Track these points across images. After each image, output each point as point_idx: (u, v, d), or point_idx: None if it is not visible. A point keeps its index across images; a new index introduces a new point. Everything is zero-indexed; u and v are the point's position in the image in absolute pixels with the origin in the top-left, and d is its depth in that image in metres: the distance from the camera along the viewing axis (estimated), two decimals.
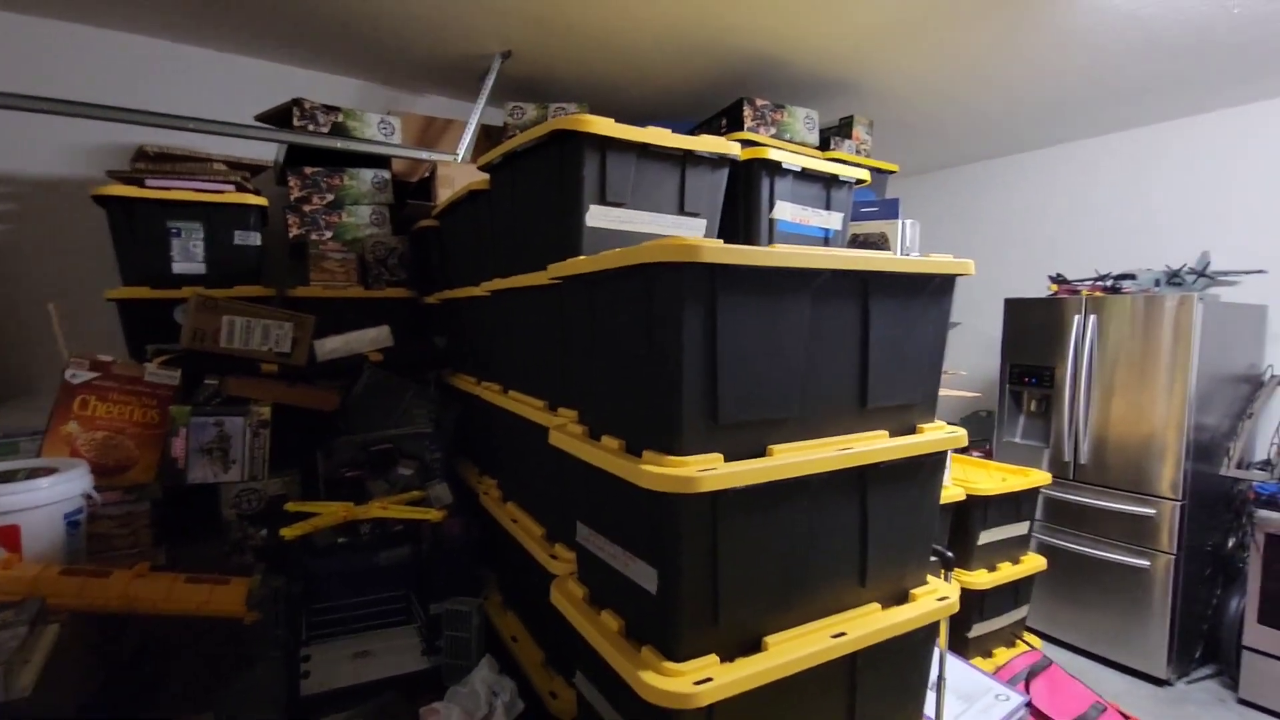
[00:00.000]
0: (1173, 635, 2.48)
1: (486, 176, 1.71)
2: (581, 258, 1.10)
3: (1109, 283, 2.86)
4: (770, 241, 1.56)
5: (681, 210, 1.40)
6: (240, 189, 2.08)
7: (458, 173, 2.34)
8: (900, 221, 1.82)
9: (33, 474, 1.26)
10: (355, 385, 1.92)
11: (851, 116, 2.66)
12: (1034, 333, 2.92)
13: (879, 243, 1.84)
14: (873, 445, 1.03)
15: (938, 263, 1.07)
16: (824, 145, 2.58)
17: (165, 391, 1.57)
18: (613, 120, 1.26)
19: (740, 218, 1.56)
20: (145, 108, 2.34)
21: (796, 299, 0.94)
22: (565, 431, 1.16)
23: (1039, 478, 2.12)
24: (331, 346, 1.91)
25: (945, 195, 4.07)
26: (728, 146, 1.40)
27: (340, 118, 2.21)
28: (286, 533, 1.32)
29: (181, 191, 1.93)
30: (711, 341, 0.88)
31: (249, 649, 1.35)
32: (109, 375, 1.51)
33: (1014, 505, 2.07)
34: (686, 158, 1.37)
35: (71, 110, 1.79)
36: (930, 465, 1.15)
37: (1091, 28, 2.13)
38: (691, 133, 2.58)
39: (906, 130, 3.28)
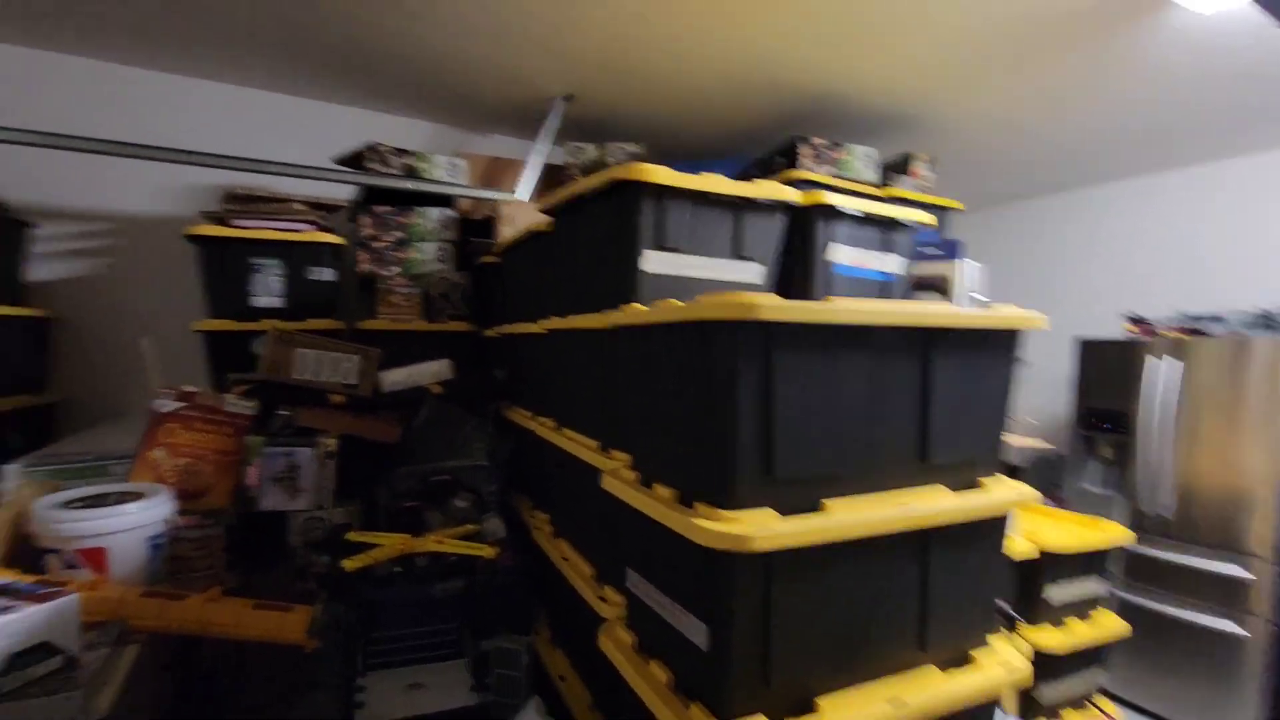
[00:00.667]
0: (1268, 708, 2.27)
1: (548, 218, 1.77)
2: (638, 308, 1.12)
3: (1193, 324, 2.70)
4: (827, 285, 1.55)
5: (738, 255, 1.41)
6: (318, 228, 2.21)
7: (519, 211, 2.42)
8: (961, 263, 1.77)
9: (121, 499, 1.35)
10: (417, 416, 1.99)
11: (912, 154, 2.62)
12: (1109, 375, 2.78)
13: (939, 285, 1.79)
14: (936, 506, 0.99)
15: (1004, 317, 1.04)
16: (884, 181, 2.55)
17: (243, 421, 1.66)
18: (670, 169, 1.29)
19: (797, 261, 1.56)
20: (232, 151, 2.54)
21: (854, 355, 0.93)
22: (618, 477, 1.17)
23: (1118, 533, 1.99)
24: (395, 378, 1.99)
25: (1010, 230, 3.95)
26: (784, 193, 1.41)
27: (412, 160, 2.32)
28: (348, 564, 1.37)
29: (265, 231, 2.06)
30: (767, 398, 0.88)
31: (310, 674, 1.39)
32: (193, 405, 1.61)
33: (1089, 563, 1.95)
34: (743, 205, 1.38)
35: (163, 156, 1.94)
36: (996, 524, 1.10)
37: (1181, 61, 2.05)
38: (746, 172, 2.61)
39: (970, 165, 3.21)
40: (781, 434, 0.90)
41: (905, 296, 1.74)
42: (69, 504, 1.31)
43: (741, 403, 0.87)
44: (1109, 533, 1.99)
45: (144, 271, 2.47)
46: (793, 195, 1.42)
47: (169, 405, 1.57)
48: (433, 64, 2.31)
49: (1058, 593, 1.88)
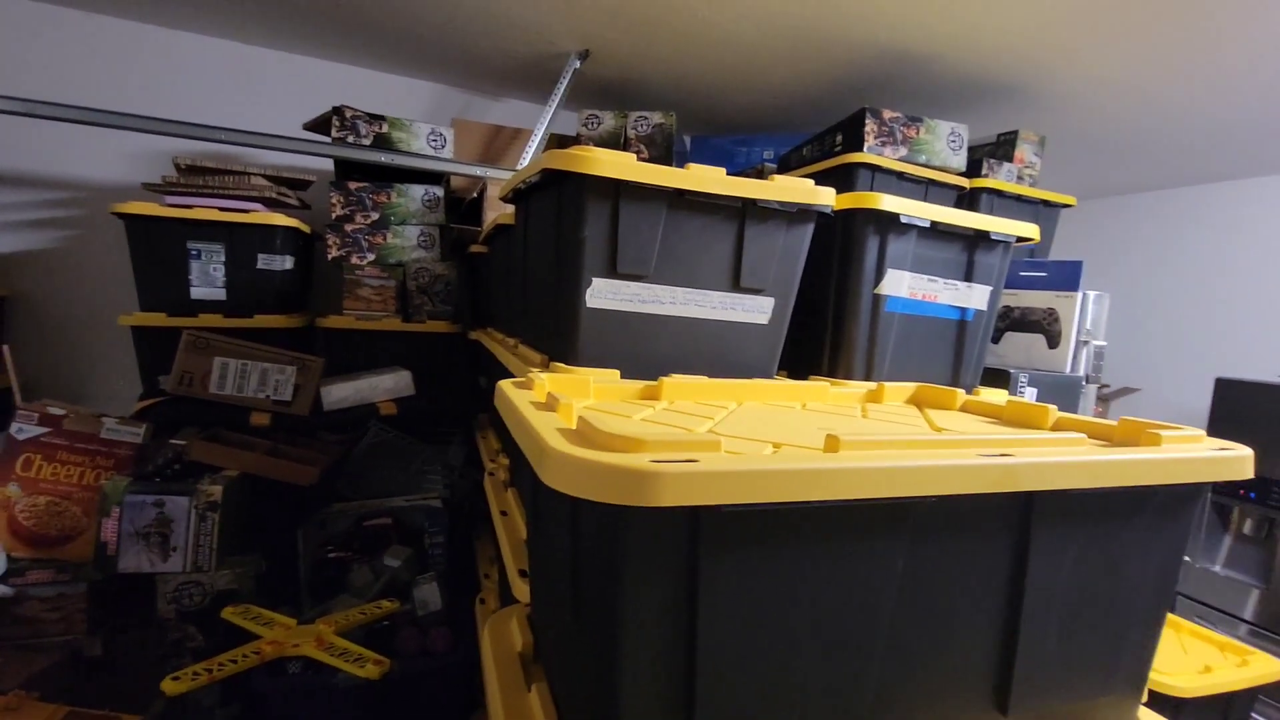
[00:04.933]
0: None
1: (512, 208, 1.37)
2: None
3: None
4: (873, 328, 1.07)
5: (736, 284, 0.96)
6: (272, 206, 1.88)
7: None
8: (1079, 295, 1.25)
9: None
10: (358, 444, 1.65)
11: (1015, 133, 2.05)
12: (1256, 429, 2.15)
13: (1044, 323, 1.29)
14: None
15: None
16: (972, 170, 2.00)
17: (124, 450, 1.36)
18: (632, 157, 0.85)
19: (831, 292, 1.09)
20: (208, 111, 2.24)
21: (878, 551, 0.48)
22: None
23: (1268, 669, 1.45)
24: (340, 395, 1.65)
25: (1127, 227, 3.24)
26: (813, 194, 0.94)
27: (384, 128, 1.95)
28: (168, 686, 1.04)
29: (202, 210, 1.74)
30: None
31: None
32: (59, 431, 1.32)
33: (1221, 711, 1.42)
34: (746, 210, 0.93)
35: (89, 118, 1.64)
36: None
37: None
38: (793, 154, 2.11)
39: (1089, 147, 2.57)
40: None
41: (995, 340, 1.24)
42: None
43: None
44: (1255, 668, 1.45)
45: (109, 246, 2.21)
46: (826, 198, 0.96)
47: (29, 431, 1.28)
48: (419, 8, 1.91)
49: None
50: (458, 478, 1.74)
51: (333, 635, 1.18)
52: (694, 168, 0.89)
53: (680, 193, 0.89)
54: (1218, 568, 2.24)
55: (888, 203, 1.02)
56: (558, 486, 0.42)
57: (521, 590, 0.86)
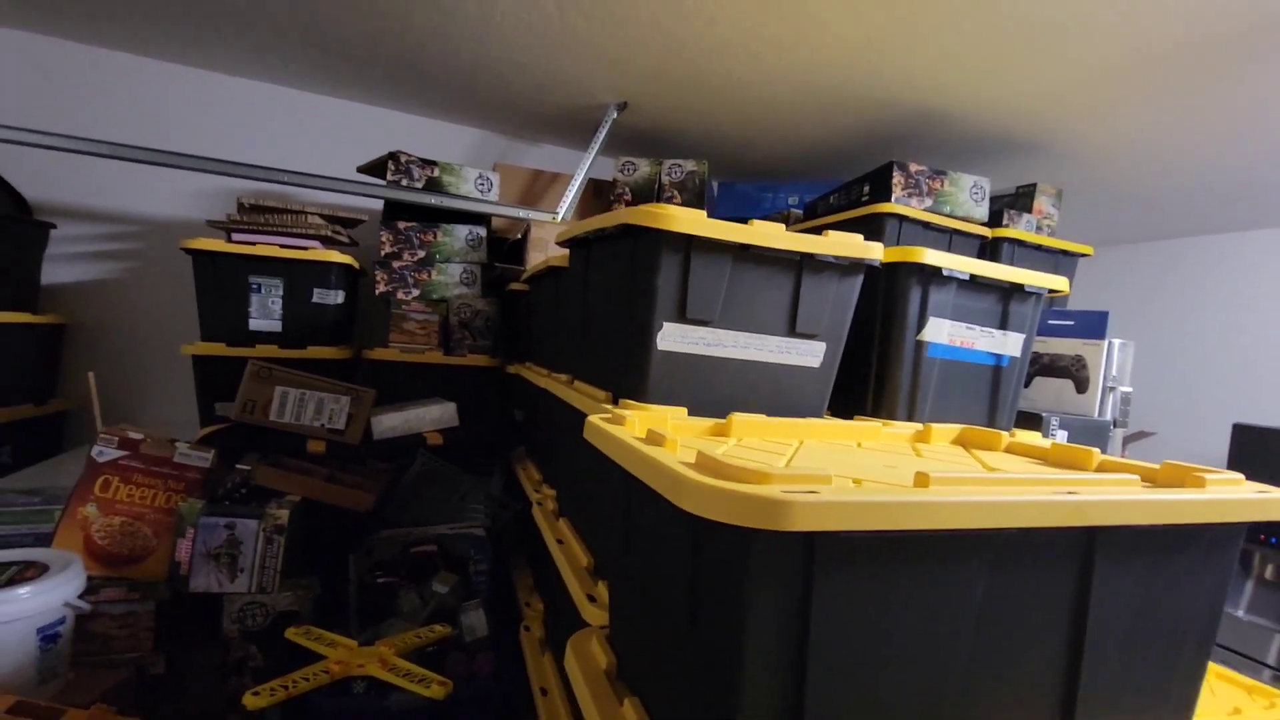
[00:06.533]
0: None
1: (565, 251, 1.45)
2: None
3: None
4: (916, 371, 1.14)
5: (792, 330, 1.03)
6: (327, 244, 1.98)
7: (552, 235, 2.12)
8: (1105, 342, 1.32)
9: (18, 577, 1.12)
10: (407, 472, 1.71)
11: (1034, 185, 2.14)
12: (1278, 475, 2.19)
13: (1073, 369, 1.35)
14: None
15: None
16: (994, 220, 2.09)
17: (195, 474, 1.43)
18: (703, 214, 0.94)
19: (875, 337, 1.16)
20: (261, 152, 2.37)
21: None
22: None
23: None
24: (390, 424, 1.72)
25: (1141, 274, 3.32)
26: (865, 249, 1.02)
27: (436, 172, 2.06)
28: (249, 701, 1.09)
29: (265, 246, 1.84)
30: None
31: None
32: (136, 454, 1.39)
33: None
34: (804, 263, 1.01)
35: (161, 160, 1.75)
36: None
37: None
38: (820, 202, 2.21)
39: (1105, 199, 2.67)
40: None
41: (1026, 384, 1.30)
42: None
43: None
44: None
45: (167, 278, 2.31)
46: (875, 253, 1.04)
47: (109, 454, 1.35)
48: (469, 64, 2.04)
49: None
50: (499, 508, 1.79)
51: (395, 657, 1.23)
52: (757, 224, 0.97)
53: (745, 246, 0.97)
54: (1240, 613, 2.25)
55: (931, 256, 1.10)
56: (697, 512, 0.48)
57: (594, 614, 0.92)
